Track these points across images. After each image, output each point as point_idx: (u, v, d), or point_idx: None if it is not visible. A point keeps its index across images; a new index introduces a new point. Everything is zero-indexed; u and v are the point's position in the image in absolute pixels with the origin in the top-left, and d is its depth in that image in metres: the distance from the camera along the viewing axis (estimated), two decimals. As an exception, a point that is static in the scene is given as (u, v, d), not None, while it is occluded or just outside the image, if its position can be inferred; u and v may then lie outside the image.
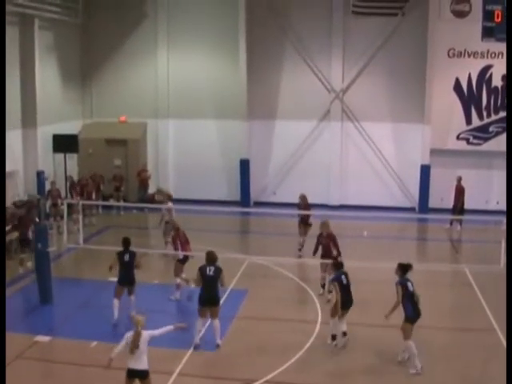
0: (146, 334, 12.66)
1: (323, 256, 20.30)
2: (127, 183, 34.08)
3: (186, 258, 20.67)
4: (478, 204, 31.74)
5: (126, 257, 18.45)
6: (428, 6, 31.72)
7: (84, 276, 22.92)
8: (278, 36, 33.96)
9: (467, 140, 33.06)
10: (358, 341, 16.98)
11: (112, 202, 32.06)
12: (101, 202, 30.91)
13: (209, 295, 16.53)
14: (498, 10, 31.54)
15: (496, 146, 32.76)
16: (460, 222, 29.65)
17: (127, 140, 34.83)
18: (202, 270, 16.78)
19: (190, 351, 16.01)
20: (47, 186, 29.91)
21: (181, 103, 35.42)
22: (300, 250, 24.49)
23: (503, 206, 30.60)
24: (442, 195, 32.34)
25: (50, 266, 19.95)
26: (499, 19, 31.56)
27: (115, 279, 19.11)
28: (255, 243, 27.74)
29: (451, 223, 30.13)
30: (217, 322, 16.56)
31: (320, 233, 20.78)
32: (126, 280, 18.49)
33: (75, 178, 31.73)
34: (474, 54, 32.36)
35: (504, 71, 32.12)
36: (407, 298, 15.23)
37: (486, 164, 33.20)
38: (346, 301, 16.44)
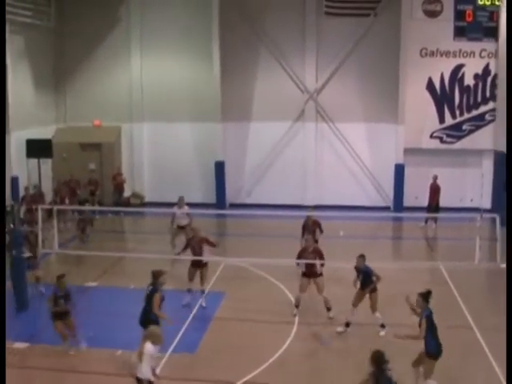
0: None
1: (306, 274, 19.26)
2: (102, 187, 33.99)
3: (197, 264, 20.26)
4: (452, 202, 31.92)
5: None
6: (400, 6, 31.90)
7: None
8: (251, 38, 33.99)
9: (440, 139, 33.27)
10: (336, 341, 17.06)
11: (87, 207, 31.89)
12: (76, 207, 30.73)
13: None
14: (470, 10, 31.98)
15: (469, 144, 33.05)
16: (435, 220, 29.83)
17: (101, 144, 34.77)
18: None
19: (168, 354, 15.98)
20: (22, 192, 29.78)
21: (155, 106, 35.37)
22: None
23: (477, 204, 31.00)
24: (416, 194, 32.55)
25: (25, 272, 19.85)
26: (470, 19, 32.00)
27: (93, 284, 19.09)
28: (231, 245, 27.73)
29: (426, 221, 30.30)
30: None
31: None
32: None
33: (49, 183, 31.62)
34: (446, 54, 32.57)
35: (475, 70, 32.48)
36: (431, 332, 13.78)
37: (459, 162, 33.44)
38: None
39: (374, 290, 17.54)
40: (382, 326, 17.33)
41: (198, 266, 20.12)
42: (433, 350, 13.74)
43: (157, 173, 35.84)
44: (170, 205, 31.60)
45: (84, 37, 35.12)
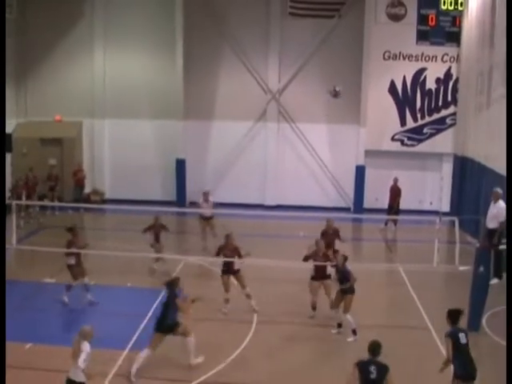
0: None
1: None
2: (62, 183, 33.72)
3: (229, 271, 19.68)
4: (411, 204, 32.20)
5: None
6: (364, 8, 32.13)
7: (17, 277, 22.55)
8: (215, 36, 33.96)
9: (402, 141, 33.52)
10: (297, 339, 17.10)
11: (46, 202, 31.61)
12: (35, 202, 30.43)
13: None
14: (433, 14, 32.27)
15: (430, 148, 33.36)
16: (395, 222, 30.01)
17: (62, 139, 34.50)
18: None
19: (126, 352, 15.88)
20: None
21: (117, 103, 35.16)
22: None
23: (436, 207, 31.17)
24: (376, 195, 32.78)
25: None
26: (433, 23, 32.26)
27: (50, 280, 18.94)
28: (191, 243, 27.67)
29: (386, 223, 30.47)
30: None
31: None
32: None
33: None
34: (409, 57, 32.83)
35: (437, 74, 32.78)
36: (458, 352, 12.67)
37: (419, 165, 33.73)
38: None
39: (351, 292, 17.45)
40: (354, 331, 17.09)
41: (232, 273, 19.58)
42: (459, 370, 12.74)
43: (117, 169, 35.63)
44: (130, 202, 31.60)
45: (46, 30, 34.77)
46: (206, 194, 26.89)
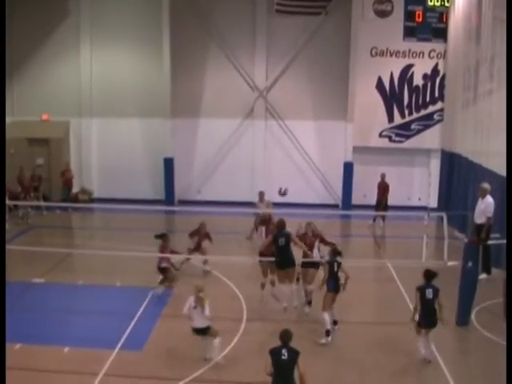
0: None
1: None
2: (50, 183, 33.69)
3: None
4: (400, 200, 32.29)
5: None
6: (351, 5, 32.25)
7: (6, 277, 22.46)
8: (202, 34, 33.96)
9: (389, 137, 33.60)
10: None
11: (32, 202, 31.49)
12: (24, 202, 30.35)
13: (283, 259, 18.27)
14: (419, 11, 32.36)
15: (417, 144, 33.46)
16: (383, 218, 30.05)
17: (49, 139, 34.44)
18: (274, 239, 18.54)
19: (115, 351, 15.86)
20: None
21: (104, 102, 35.12)
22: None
23: (425, 202, 31.26)
24: (364, 192, 32.84)
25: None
26: (420, 19, 32.36)
27: (39, 280, 18.91)
28: (180, 242, 27.63)
29: (374, 219, 30.52)
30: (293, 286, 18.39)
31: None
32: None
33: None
34: (396, 54, 32.93)
35: (424, 71, 32.90)
36: (423, 305, 15.36)
37: (407, 161, 33.84)
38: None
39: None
40: (327, 332, 16.73)
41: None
42: (421, 319, 15.45)
43: (105, 168, 35.60)
44: (118, 201, 31.56)
45: (32, 29, 34.71)
46: (261, 194, 27.26)
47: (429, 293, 15.33)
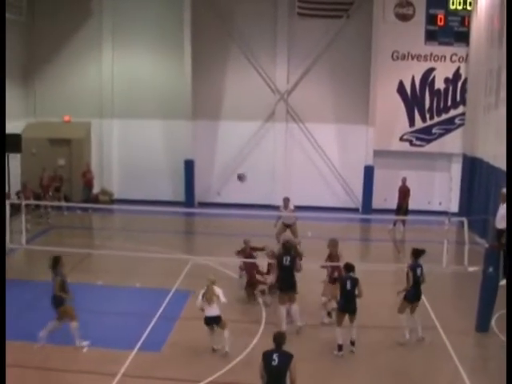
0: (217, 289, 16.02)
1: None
2: (71, 183, 33.81)
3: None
4: (420, 205, 32.12)
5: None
6: (372, 9, 32.04)
7: (27, 277, 22.59)
8: (223, 37, 33.94)
9: (410, 141, 33.44)
10: (304, 339, 17.08)
11: (53, 203, 31.60)
12: (45, 202, 30.49)
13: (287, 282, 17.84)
14: (441, 14, 32.18)
15: (438, 148, 33.26)
16: (403, 222, 29.89)
17: (71, 140, 34.53)
18: (278, 258, 18.13)
19: (134, 352, 15.90)
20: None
21: (125, 103, 35.19)
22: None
23: (445, 207, 31.16)
24: (385, 196, 32.71)
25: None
26: (442, 23, 32.18)
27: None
28: (199, 244, 27.68)
29: (394, 224, 30.37)
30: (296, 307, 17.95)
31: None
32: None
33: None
34: (418, 57, 32.74)
35: (446, 74, 32.70)
36: (413, 283, 16.84)
37: (428, 165, 33.63)
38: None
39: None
40: (339, 347, 16.28)
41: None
42: (410, 296, 16.97)
43: (126, 170, 35.66)
44: (138, 202, 31.63)
45: (55, 31, 34.85)
46: (285, 201, 26.33)
47: (419, 271, 17.04)
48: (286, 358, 11.55)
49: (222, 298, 15.91)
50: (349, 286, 16.13)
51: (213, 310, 15.90)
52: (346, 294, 16.22)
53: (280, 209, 26.44)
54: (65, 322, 16.30)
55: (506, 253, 17.42)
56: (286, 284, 17.89)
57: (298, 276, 17.92)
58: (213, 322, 16.01)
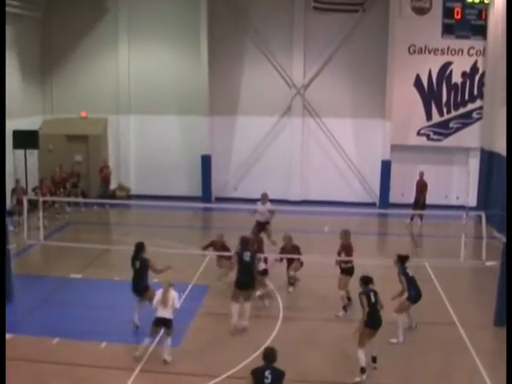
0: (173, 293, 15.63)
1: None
2: (88, 179, 33.91)
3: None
4: (438, 199, 32.04)
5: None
6: (388, 2, 31.90)
7: (45, 273, 22.69)
8: (239, 32, 33.92)
9: (427, 136, 33.31)
10: (321, 337, 17.08)
11: (71, 199, 31.68)
12: (60, 199, 30.55)
13: (245, 279, 17.55)
14: (458, 8, 32.01)
15: (456, 142, 33.12)
16: (421, 216, 29.82)
17: (88, 136, 34.61)
18: (239, 255, 17.79)
19: (152, 347, 15.92)
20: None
21: (142, 99, 35.22)
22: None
23: (463, 201, 31.04)
24: (402, 190, 32.63)
25: (10, 263, 19.75)
26: (459, 16, 32.03)
27: (77, 276, 19.06)
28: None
29: (412, 218, 30.31)
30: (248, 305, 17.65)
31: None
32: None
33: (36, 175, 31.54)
34: (435, 51, 32.60)
35: (463, 68, 32.55)
36: (410, 283, 17.13)
37: (445, 160, 33.51)
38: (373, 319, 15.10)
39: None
40: (362, 370, 15.03)
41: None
42: (413, 296, 17.17)
43: (143, 165, 35.72)
44: (155, 198, 31.71)
45: (71, 28, 34.90)
46: (264, 196, 25.15)
47: (410, 272, 17.33)
48: (279, 375, 11.47)
49: (176, 304, 15.54)
50: (373, 299, 15.13)
51: (166, 313, 15.39)
52: (373, 309, 15.08)
53: (258, 204, 25.05)
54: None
55: (506, 249, 17.37)
56: (243, 281, 17.60)
57: (307, 271, 17.92)
58: (162, 324, 15.48)
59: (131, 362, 15.09)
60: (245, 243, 18.15)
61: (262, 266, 19.64)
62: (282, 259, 20.83)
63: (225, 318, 17.01)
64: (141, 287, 17.39)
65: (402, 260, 17.36)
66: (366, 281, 15.56)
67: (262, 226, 24.78)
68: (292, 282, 20.67)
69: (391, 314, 16.51)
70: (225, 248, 21.14)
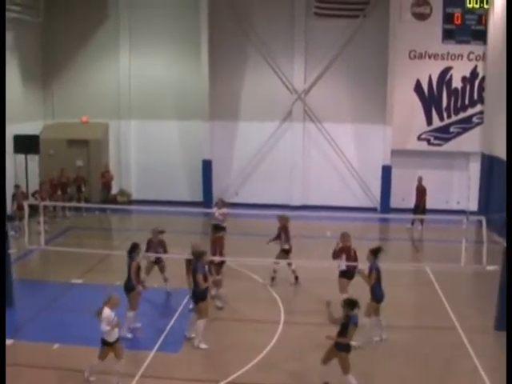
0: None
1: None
2: (89, 184, 33.93)
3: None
4: (438, 204, 32.09)
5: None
6: (389, 8, 31.97)
7: (45, 278, 22.70)
8: (240, 37, 33.96)
9: (428, 141, 33.36)
10: (322, 341, 17.07)
11: (73, 203, 31.72)
12: (58, 203, 30.55)
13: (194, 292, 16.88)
14: (458, 13, 32.09)
15: (456, 147, 33.17)
16: (421, 221, 29.86)
17: (89, 141, 34.64)
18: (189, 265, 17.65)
19: (153, 353, 15.93)
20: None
21: (143, 104, 35.29)
22: None
23: (464, 206, 31.03)
24: (403, 195, 32.63)
25: (11, 268, 19.75)
26: (459, 22, 32.08)
27: (78, 281, 19.05)
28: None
29: (412, 223, 30.34)
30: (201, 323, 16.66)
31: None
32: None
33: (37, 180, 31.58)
34: (435, 56, 32.67)
35: (463, 73, 32.60)
36: (377, 282, 16.60)
37: (446, 164, 33.56)
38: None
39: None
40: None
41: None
42: (378, 296, 16.58)
43: (144, 170, 35.77)
44: (156, 203, 31.68)
45: (72, 33, 34.96)
46: (219, 202, 25.75)
47: (379, 269, 16.89)
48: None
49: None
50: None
51: (115, 334, 14.23)
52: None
53: (214, 209, 25.48)
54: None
55: (506, 251, 17.38)
56: (193, 294, 16.95)
57: (308, 275, 17.89)
58: (113, 345, 14.26)
59: (132, 367, 15.07)
60: (194, 255, 17.42)
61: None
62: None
63: (224, 322, 16.99)
64: (126, 286, 17.44)
65: (375, 253, 16.92)
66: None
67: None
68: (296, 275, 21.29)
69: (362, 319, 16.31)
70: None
